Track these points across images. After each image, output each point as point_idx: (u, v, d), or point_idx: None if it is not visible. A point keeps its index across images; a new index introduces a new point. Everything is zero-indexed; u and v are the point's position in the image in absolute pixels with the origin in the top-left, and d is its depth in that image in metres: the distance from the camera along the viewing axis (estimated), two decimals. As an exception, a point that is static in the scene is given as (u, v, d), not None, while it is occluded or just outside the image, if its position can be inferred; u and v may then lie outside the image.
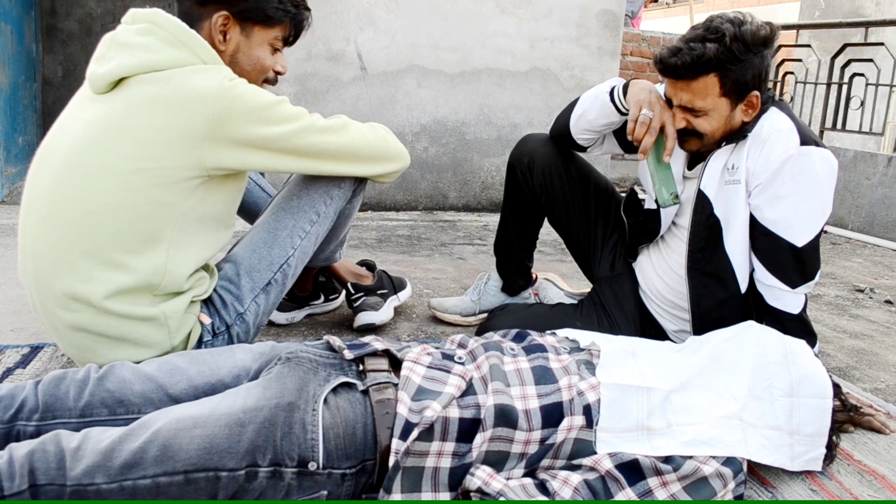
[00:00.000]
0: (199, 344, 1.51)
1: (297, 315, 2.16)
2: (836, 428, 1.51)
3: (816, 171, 1.59)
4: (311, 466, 1.10)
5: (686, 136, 1.70)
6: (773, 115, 1.65)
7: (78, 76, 4.85)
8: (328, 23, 3.87)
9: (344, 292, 2.16)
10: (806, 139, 1.59)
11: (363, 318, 2.07)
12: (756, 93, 1.64)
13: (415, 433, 1.13)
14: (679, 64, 1.59)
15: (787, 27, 5.37)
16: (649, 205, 1.89)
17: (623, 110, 1.77)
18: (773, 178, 1.60)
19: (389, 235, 3.61)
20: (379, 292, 2.11)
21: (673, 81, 1.65)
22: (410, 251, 3.30)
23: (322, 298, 2.23)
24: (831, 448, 1.46)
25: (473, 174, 4.42)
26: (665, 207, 1.78)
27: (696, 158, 1.78)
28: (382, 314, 2.09)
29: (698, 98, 1.62)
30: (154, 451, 1.05)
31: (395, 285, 2.20)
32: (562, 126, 1.95)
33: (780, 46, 5.24)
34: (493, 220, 4.28)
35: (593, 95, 1.85)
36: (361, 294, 2.08)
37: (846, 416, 1.63)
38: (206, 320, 1.51)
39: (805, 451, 1.40)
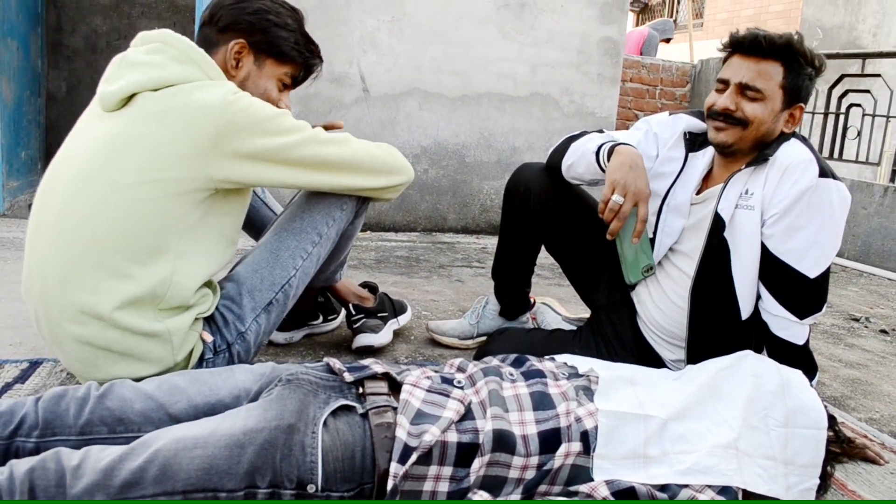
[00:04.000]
0: (201, 362, 1.52)
1: (296, 335, 2.17)
2: (831, 458, 1.52)
3: (833, 204, 1.60)
4: (310, 489, 1.11)
5: (729, 121, 1.69)
6: (794, 145, 1.67)
7: (82, 92, 4.89)
8: (331, 45, 3.91)
9: (344, 313, 2.17)
10: (824, 171, 1.61)
11: (362, 339, 2.08)
12: (801, 105, 1.70)
13: (413, 457, 1.14)
14: (760, 37, 1.63)
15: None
16: None
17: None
18: (790, 209, 1.60)
19: (388, 256, 3.62)
20: (380, 315, 2.12)
21: (743, 57, 1.67)
22: (409, 272, 3.32)
23: (321, 319, 2.23)
24: (825, 478, 1.46)
25: (473, 197, 4.45)
26: (632, 284, 1.83)
27: (702, 187, 1.80)
28: (382, 337, 2.10)
29: (762, 78, 1.65)
30: (154, 470, 1.06)
31: (396, 308, 2.21)
32: (554, 166, 1.96)
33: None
34: (492, 242, 4.30)
35: (581, 151, 1.86)
36: (362, 316, 2.09)
37: (839, 448, 1.63)
38: (209, 338, 1.53)
39: (799, 481, 1.40)
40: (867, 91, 4.55)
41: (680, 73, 6.32)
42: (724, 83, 1.69)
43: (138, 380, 1.36)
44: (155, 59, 1.47)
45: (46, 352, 1.91)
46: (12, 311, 2.25)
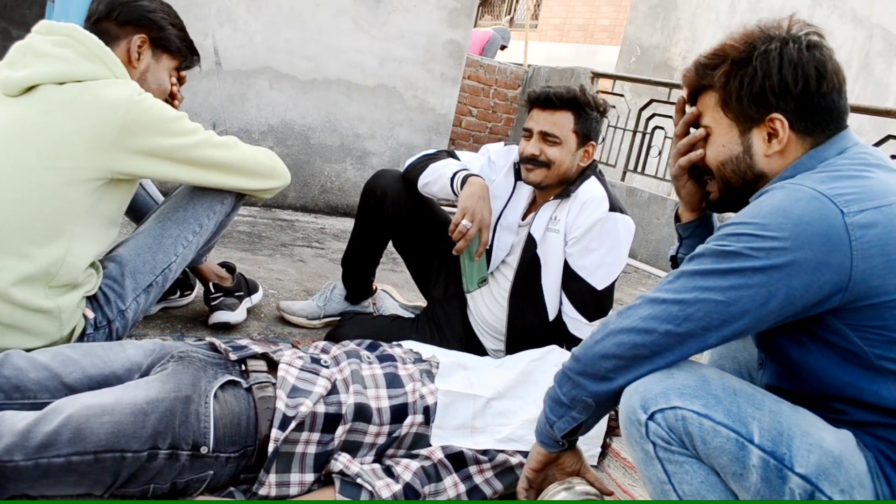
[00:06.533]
0: (82, 336, 1.65)
1: (154, 308, 2.29)
2: (609, 432, 1.93)
3: (619, 233, 2.02)
4: (203, 450, 1.32)
5: (535, 164, 2.05)
6: (592, 184, 2.07)
7: None
8: (187, 15, 3.84)
9: (203, 289, 2.32)
10: (613, 206, 2.02)
11: (219, 316, 2.25)
12: (593, 143, 2.09)
13: (292, 425, 1.38)
14: (551, 94, 2.00)
15: (605, 76, 6.05)
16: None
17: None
18: (585, 234, 2.00)
19: (231, 231, 3.72)
20: (236, 294, 2.30)
21: (540, 110, 2.04)
22: (252, 249, 3.46)
23: (178, 294, 2.37)
24: (605, 448, 1.88)
25: (314, 177, 4.63)
26: (470, 293, 2.18)
27: (528, 211, 2.16)
28: (237, 315, 2.29)
29: (557, 127, 2.02)
30: (67, 433, 1.22)
31: (250, 288, 2.40)
32: (411, 179, 2.25)
33: (598, 92, 5.91)
34: (329, 222, 4.52)
35: (438, 174, 2.16)
36: (221, 294, 2.26)
37: (617, 423, 2.05)
38: (90, 315, 1.66)
39: (586, 449, 1.79)
40: (670, 116, 5.20)
41: (513, 77, 6.80)
42: (529, 132, 2.07)
43: (28, 351, 1.47)
44: (63, 52, 1.57)
45: None
46: None
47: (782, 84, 1.21)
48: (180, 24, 1.87)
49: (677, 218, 1.57)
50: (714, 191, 1.37)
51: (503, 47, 7.74)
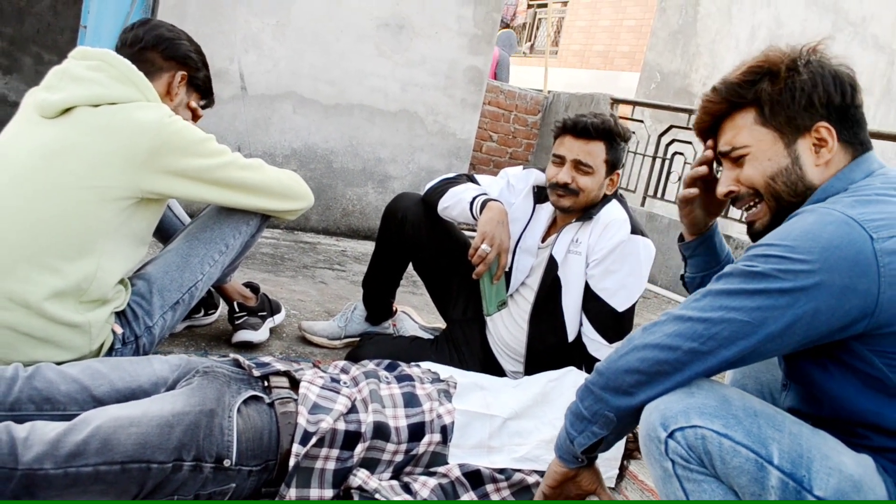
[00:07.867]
0: (110, 351, 1.70)
1: (178, 326, 2.34)
2: (627, 454, 1.93)
3: (640, 255, 2.05)
4: (226, 463, 1.35)
5: (566, 191, 2.08)
6: (613, 206, 2.11)
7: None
8: (214, 41, 4.01)
9: (227, 309, 2.37)
10: (635, 229, 2.06)
11: (243, 335, 2.29)
12: (618, 172, 2.13)
13: (313, 440, 1.41)
14: (588, 124, 2.04)
15: (625, 102, 6.09)
16: None
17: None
18: (607, 256, 2.03)
19: (254, 252, 3.78)
20: (259, 314, 2.34)
21: (574, 138, 2.07)
22: (275, 271, 3.51)
23: (202, 312, 2.42)
24: (622, 470, 1.88)
25: (336, 201, 4.69)
26: (489, 315, 2.21)
27: (547, 233, 2.20)
28: (260, 334, 2.33)
29: (591, 157, 2.06)
30: (96, 443, 1.26)
31: (273, 308, 2.44)
32: (431, 202, 2.29)
33: (619, 117, 5.94)
34: (351, 245, 4.57)
35: (458, 198, 2.20)
36: (245, 314, 2.30)
37: (635, 446, 2.06)
38: (119, 330, 1.71)
39: (603, 471, 1.79)
40: (689, 142, 5.22)
41: (533, 102, 6.86)
42: (561, 158, 2.10)
43: (58, 364, 1.52)
44: (97, 76, 1.64)
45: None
46: None
47: (827, 94, 1.24)
48: (208, 68, 1.99)
49: (681, 238, 1.62)
50: (761, 215, 1.34)
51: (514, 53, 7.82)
